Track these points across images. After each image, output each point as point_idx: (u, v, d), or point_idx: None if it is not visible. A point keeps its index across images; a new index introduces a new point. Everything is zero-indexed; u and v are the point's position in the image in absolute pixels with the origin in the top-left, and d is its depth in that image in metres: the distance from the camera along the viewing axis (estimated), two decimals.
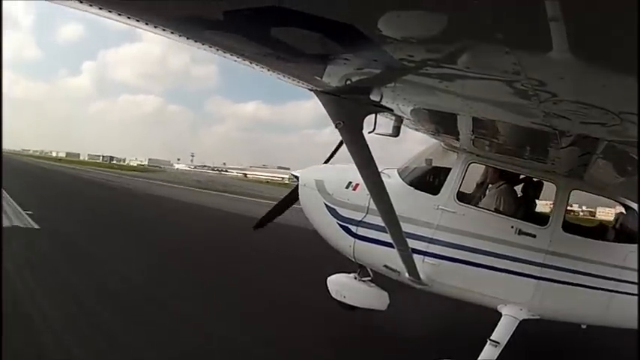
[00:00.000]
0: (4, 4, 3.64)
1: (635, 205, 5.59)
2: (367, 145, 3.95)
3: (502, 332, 5.10)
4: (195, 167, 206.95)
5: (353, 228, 6.09)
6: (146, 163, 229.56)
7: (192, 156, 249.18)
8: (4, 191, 17.66)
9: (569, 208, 5.88)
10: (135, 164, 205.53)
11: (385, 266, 5.84)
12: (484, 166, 6.10)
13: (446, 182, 5.70)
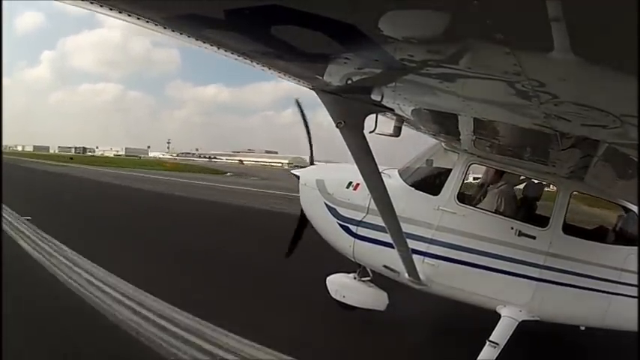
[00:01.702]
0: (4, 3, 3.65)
1: (635, 208, 5.58)
2: (368, 145, 3.95)
3: (501, 333, 5.11)
4: (177, 155, 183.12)
5: (353, 228, 6.09)
6: (123, 153, 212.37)
7: (169, 143, 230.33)
8: None
9: None
10: (111, 155, 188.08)
11: (385, 266, 5.84)
12: (485, 167, 6.11)
13: (446, 183, 5.71)
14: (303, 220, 7.15)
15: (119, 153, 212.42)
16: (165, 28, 2.07)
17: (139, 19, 1.97)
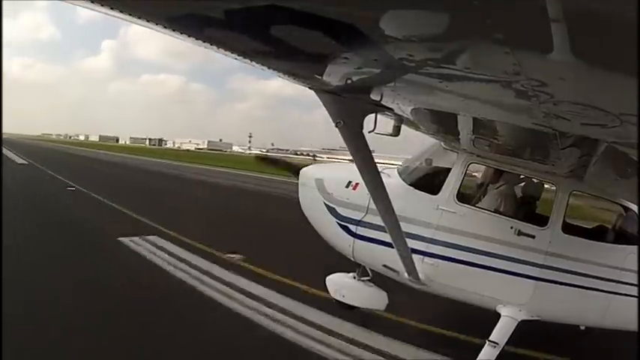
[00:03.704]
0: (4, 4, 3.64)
1: (634, 207, 5.58)
2: (367, 145, 3.95)
3: (501, 333, 5.11)
4: (267, 151, 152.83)
5: (352, 227, 6.09)
6: (205, 146, 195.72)
7: (250, 137, 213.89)
8: None
9: None
10: (191, 148, 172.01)
11: (384, 266, 5.84)
12: (484, 167, 6.11)
13: (446, 182, 5.71)
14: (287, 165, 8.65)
15: (200, 147, 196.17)
16: (165, 27, 2.07)
17: (139, 18, 1.97)
